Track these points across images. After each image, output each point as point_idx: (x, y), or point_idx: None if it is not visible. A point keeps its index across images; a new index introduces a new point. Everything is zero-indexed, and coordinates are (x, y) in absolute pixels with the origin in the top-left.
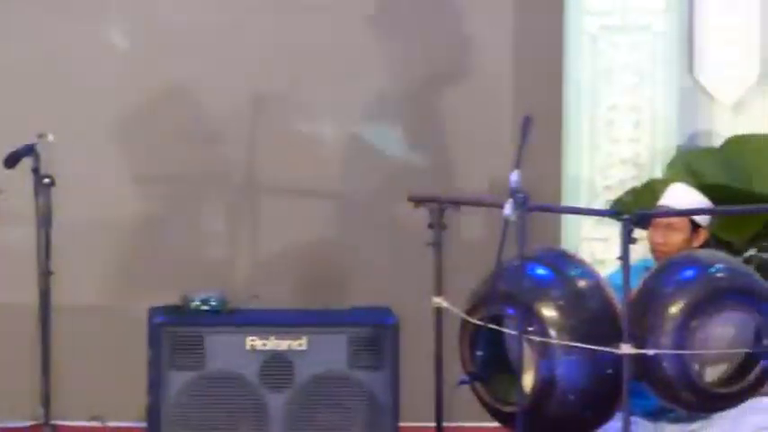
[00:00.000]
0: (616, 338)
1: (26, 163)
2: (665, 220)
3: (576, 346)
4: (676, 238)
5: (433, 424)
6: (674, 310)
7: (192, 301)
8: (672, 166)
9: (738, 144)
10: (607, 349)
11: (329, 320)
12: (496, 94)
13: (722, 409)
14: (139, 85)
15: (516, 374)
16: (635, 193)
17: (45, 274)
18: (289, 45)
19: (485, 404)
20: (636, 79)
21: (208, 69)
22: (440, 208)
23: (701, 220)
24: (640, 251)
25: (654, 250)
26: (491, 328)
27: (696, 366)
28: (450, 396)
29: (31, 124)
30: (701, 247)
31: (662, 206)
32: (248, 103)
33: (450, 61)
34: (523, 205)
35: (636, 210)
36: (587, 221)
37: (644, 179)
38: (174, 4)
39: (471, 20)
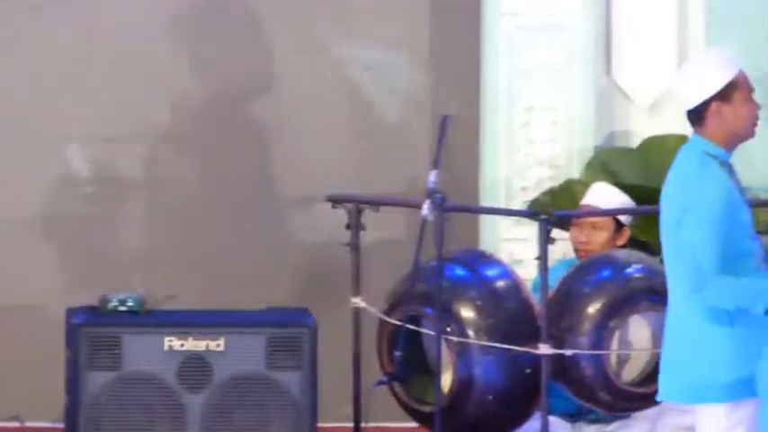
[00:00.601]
0: (534, 338)
1: None
2: (589, 220)
3: (494, 347)
4: (600, 237)
5: (350, 424)
6: (592, 310)
7: (110, 301)
8: (589, 166)
9: (655, 144)
10: (525, 349)
11: (247, 321)
12: (414, 95)
13: (640, 409)
14: (52, 84)
15: (434, 374)
16: (552, 193)
17: None
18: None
19: (403, 404)
20: (553, 80)
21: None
22: (357, 208)
23: (625, 219)
24: (559, 251)
25: (577, 250)
26: (409, 329)
27: (614, 366)
28: (369, 396)
29: None
30: (625, 245)
31: (586, 205)
32: (167, 101)
33: (366, 61)
34: (441, 206)
35: (553, 210)
36: (505, 222)
37: (561, 180)
38: None
39: (388, 20)
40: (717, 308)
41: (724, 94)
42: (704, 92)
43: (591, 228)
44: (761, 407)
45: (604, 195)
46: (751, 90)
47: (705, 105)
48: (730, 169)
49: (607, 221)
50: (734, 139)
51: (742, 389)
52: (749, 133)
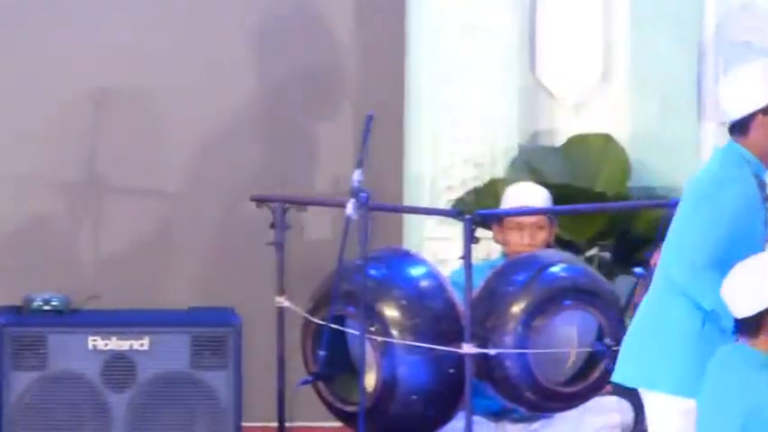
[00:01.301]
0: (459, 338)
1: None
2: (529, 220)
3: (418, 346)
4: (543, 236)
5: (275, 424)
6: (517, 309)
7: (34, 301)
8: (513, 165)
9: (580, 143)
10: (449, 349)
11: (172, 320)
12: (339, 94)
13: (564, 408)
14: None
15: (358, 374)
16: (477, 192)
17: None
18: (134, 44)
19: (327, 404)
20: (477, 78)
21: (47, 66)
22: (282, 207)
23: (553, 217)
24: (483, 251)
25: (510, 252)
26: (333, 328)
27: (538, 366)
28: (293, 396)
29: None
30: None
31: (521, 206)
32: (90, 101)
33: (292, 60)
34: (365, 204)
35: (478, 209)
36: (430, 221)
37: (486, 179)
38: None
39: (312, 18)
40: (695, 303)
41: None
42: (752, 103)
43: (534, 228)
44: (698, 404)
45: (534, 194)
46: None
47: (751, 117)
48: (761, 183)
49: (545, 220)
50: None
51: (694, 386)
52: None
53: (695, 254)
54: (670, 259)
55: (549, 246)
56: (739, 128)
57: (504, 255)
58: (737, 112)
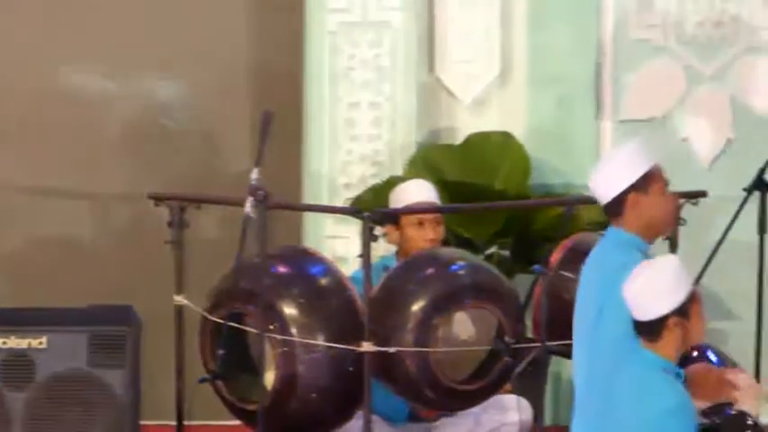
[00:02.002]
0: (358, 336)
1: None
2: (428, 216)
3: (317, 344)
4: (442, 230)
5: (174, 422)
6: (416, 307)
7: None
8: (412, 163)
9: (479, 141)
10: (348, 347)
11: (70, 319)
12: (237, 92)
13: (465, 407)
14: None
15: (258, 372)
16: (375, 190)
17: None
18: (33, 45)
19: (226, 402)
20: (376, 76)
21: None
22: (180, 206)
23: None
24: (382, 249)
25: (410, 249)
26: (232, 327)
27: (438, 364)
28: (192, 394)
29: None
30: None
31: (419, 203)
32: None
33: (191, 59)
34: (264, 203)
35: (376, 207)
36: (328, 219)
37: (384, 176)
38: None
39: (211, 17)
40: None
41: (641, 186)
42: (622, 183)
43: (436, 224)
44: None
45: (427, 190)
46: (666, 182)
47: (623, 197)
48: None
49: (440, 215)
50: (652, 231)
51: None
52: (668, 224)
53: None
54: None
55: (446, 243)
56: (614, 209)
57: (398, 253)
58: (610, 194)
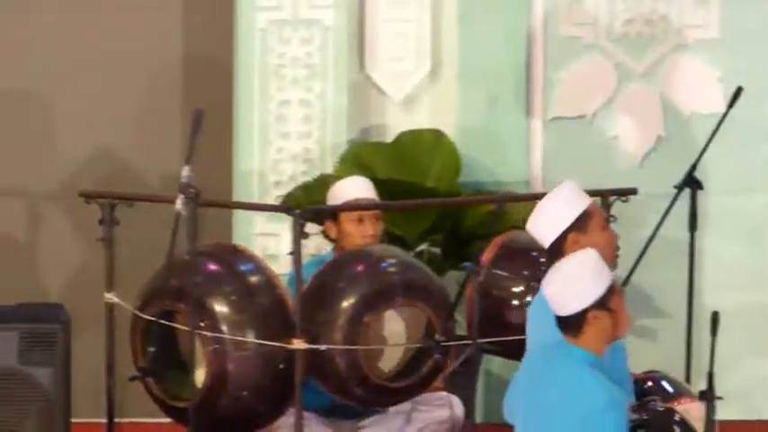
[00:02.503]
0: (289, 334)
1: None
2: (368, 212)
3: (248, 342)
4: (381, 226)
5: (104, 420)
6: (346, 305)
7: None
8: (343, 161)
9: (410, 138)
10: (279, 344)
11: (1, 317)
12: (166, 90)
13: (395, 403)
14: None
15: (188, 370)
16: (306, 188)
17: None
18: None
19: (157, 400)
20: (306, 74)
21: None
22: (111, 203)
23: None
24: (313, 246)
25: (348, 246)
26: (163, 324)
27: (368, 361)
28: (123, 392)
29: None
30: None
31: (358, 199)
32: None
33: (121, 57)
34: (195, 200)
35: (307, 205)
36: (259, 217)
37: (315, 174)
38: None
39: (142, 14)
40: None
41: (579, 225)
42: (561, 224)
43: (374, 220)
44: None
45: (366, 187)
46: (605, 219)
47: (562, 238)
48: None
49: (380, 213)
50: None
51: None
52: (607, 260)
53: None
54: None
55: (381, 241)
56: (555, 253)
57: (336, 250)
58: (550, 238)
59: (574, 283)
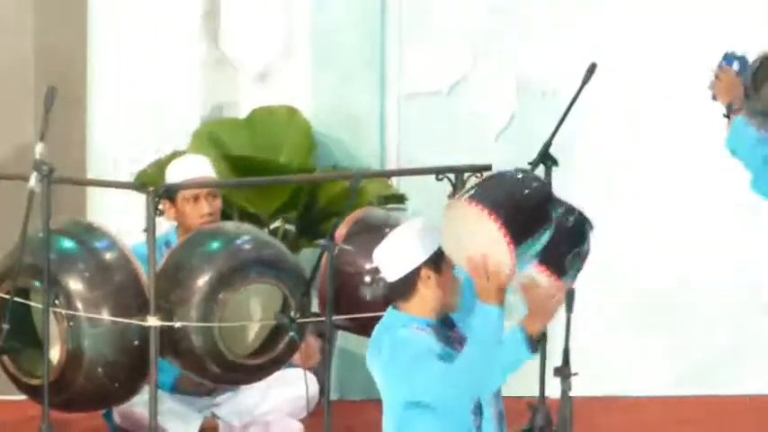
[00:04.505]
0: (144, 311)
1: None
2: (206, 190)
3: (102, 319)
4: (218, 203)
5: None
6: (201, 282)
7: None
8: (196, 137)
9: (263, 115)
10: (134, 321)
11: None
12: (19, 68)
13: (250, 381)
14: None
15: (43, 347)
16: (159, 165)
17: None
18: None
19: (12, 377)
20: (161, 51)
21: None
22: None
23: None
24: (167, 224)
25: (188, 225)
26: (17, 301)
27: (223, 339)
28: None
29: None
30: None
31: (195, 178)
32: None
33: None
34: (48, 177)
35: (161, 182)
36: (113, 194)
37: (168, 151)
38: None
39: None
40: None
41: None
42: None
43: (211, 198)
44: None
45: (202, 164)
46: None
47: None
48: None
49: (216, 190)
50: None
51: None
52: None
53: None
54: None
55: (230, 217)
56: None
57: (178, 229)
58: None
59: (405, 244)
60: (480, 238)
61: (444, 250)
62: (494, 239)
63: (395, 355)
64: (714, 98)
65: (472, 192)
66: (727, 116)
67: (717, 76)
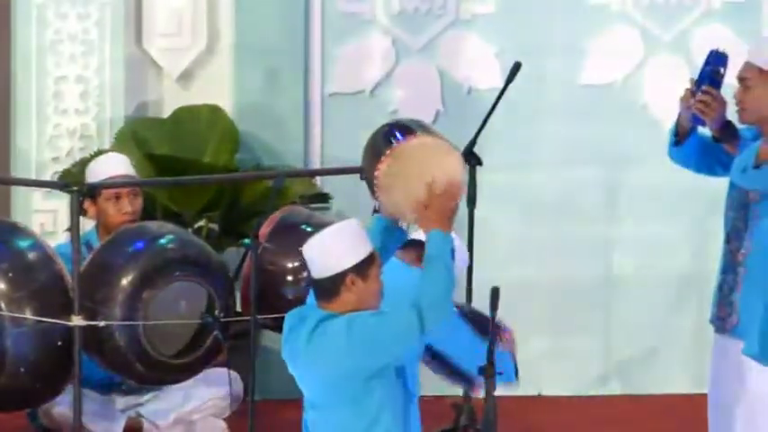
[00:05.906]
0: (68, 311)
1: None
2: (126, 190)
3: (25, 318)
4: (139, 202)
5: None
6: (125, 281)
7: None
8: (120, 137)
9: (187, 114)
10: (57, 321)
11: None
12: None
13: (176, 381)
14: None
15: None
16: (83, 164)
17: None
18: None
19: None
20: (83, 50)
21: None
22: None
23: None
24: (90, 223)
25: (110, 224)
26: None
27: (148, 338)
28: None
29: None
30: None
31: (114, 177)
32: None
33: None
34: None
35: (85, 181)
36: (37, 193)
37: (93, 150)
38: None
39: None
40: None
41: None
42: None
43: (132, 197)
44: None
45: (121, 163)
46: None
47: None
48: None
49: (138, 190)
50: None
51: None
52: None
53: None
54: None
55: (153, 217)
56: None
57: (98, 228)
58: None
59: (335, 245)
60: (433, 160)
61: (393, 206)
62: (445, 151)
63: (351, 333)
64: (700, 122)
65: (401, 132)
66: (718, 139)
67: (703, 101)
